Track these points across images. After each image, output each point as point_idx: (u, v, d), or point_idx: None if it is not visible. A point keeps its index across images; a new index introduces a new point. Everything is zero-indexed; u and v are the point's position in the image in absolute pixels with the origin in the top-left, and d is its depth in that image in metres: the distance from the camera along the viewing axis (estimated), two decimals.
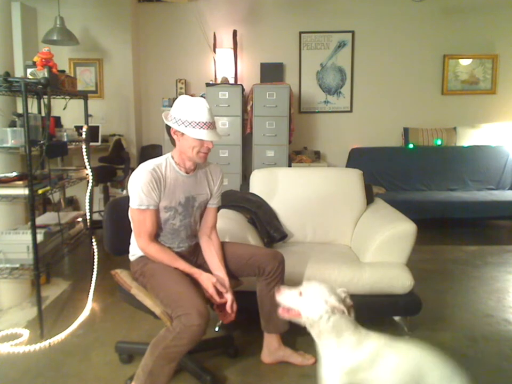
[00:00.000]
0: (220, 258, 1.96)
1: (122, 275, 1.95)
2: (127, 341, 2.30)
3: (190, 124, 1.76)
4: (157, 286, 1.77)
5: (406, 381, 1.46)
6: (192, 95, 1.95)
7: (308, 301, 1.52)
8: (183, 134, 1.79)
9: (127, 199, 1.85)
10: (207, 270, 1.97)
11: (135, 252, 1.93)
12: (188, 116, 1.77)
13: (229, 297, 1.84)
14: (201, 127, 1.77)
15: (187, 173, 1.91)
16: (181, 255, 1.91)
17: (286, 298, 1.56)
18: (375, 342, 1.50)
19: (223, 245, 2.05)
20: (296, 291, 1.55)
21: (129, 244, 1.96)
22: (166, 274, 1.78)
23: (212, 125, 1.80)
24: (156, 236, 1.88)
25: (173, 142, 1.87)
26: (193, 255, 2.02)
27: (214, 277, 1.83)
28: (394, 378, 1.46)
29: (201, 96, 4.62)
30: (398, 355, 1.48)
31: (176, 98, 5.33)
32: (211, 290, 1.78)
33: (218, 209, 2.12)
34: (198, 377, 1.94)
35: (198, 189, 1.95)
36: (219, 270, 1.92)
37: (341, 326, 1.50)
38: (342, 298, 1.54)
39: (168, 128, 1.84)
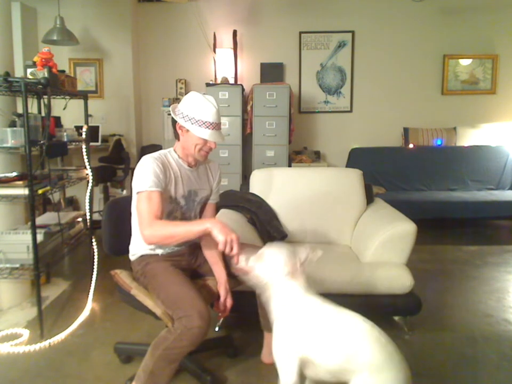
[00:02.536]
0: (219, 252, 1.96)
1: (122, 275, 1.94)
2: (125, 341, 2.30)
3: (196, 122, 1.77)
4: (158, 287, 1.76)
5: (338, 350, 1.41)
6: None
7: (264, 263, 1.57)
8: (188, 130, 1.80)
9: (127, 199, 1.85)
10: (205, 270, 1.98)
11: (135, 251, 1.92)
12: (195, 113, 1.77)
13: (222, 293, 1.85)
14: (207, 127, 1.77)
15: (190, 166, 1.92)
16: (180, 253, 1.92)
17: (247, 261, 1.61)
18: (324, 309, 1.51)
19: None
20: (257, 251, 1.61)
21: (128, 244, 1.96)
22: (168, 276, 1.78)
23: (217, 126, 1.81)
24: None
25: (177, 136, 1.88)
26: (193, 255, 2.02)
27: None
28: (341, 346, 1.41)
29: None
30: (345, 323, 1.46)
31: (176, 98, 5.34)
32: (221, 239, 1.58)
33: (217, 208, 2.12)
34: (198, 377, 1.95)
35: (199, 183, 1.96)
36: (217, 264, 1.92)
37: (292, 291, 1.54)
38: (302, 261, 1.59)
39: (174, 121, 1.85)
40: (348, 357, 1.38)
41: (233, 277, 1.99)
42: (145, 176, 1.74)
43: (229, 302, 1.86)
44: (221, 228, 1.60)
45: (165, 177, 1.79)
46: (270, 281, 1.56)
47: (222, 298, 1.85)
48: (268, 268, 1.56)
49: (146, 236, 1.70)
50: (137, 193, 1.75)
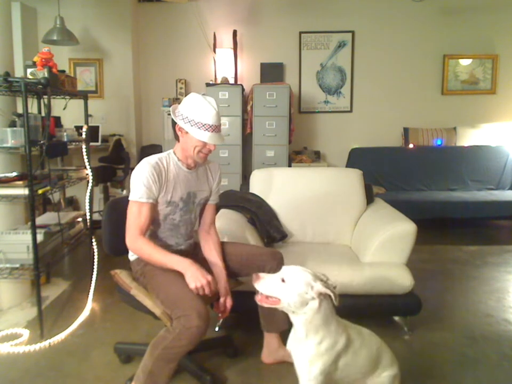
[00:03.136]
0: (219, 253, 1.97)
1: (122, 275, 1.94)
2: (125, 341, 2.30)
3: (196, 124, 1.77)
4: (157, 287, 1.77)
5: (370, 361, 1.57)
6: None
7: (290, 287, 1.45)
8: (187, 132, 1.80)
9: (126, 199, 1.85)
10: (206, 268, 1.97)
11: None
12: (195, 115, 1.77)
13: (222, 293, 1.85)
14: (207, 129, 1.77)
15: (189, 168, 1.92)
16: (179, 254, 1.91)
17: (266, 285, 1.49)
18: (346, 327, 1.55)
19: (222, 245, 2.05)
20: (277, 277, 1.49)
21: None
22: (167, 275, 1.77)
23: (217, 128, 1.81)
24: (154, 233, 1.89)
25: (177, 137, 1.88)
26: (192, 256, 2.01)
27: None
28: (363, 361, 1.55)
29: None
30: (363, 339, 1.58)
31: (176, 98, 5.34)
32: (192, 287, 1.66)
33: (217, 208, 2.11)
34: (198, 377, 1.94)
35: (199, 185, 1.96)
36: (217, 265, 1.92)
37: (329, 313, 1.48)
38: (325, 282, 1.47)
39: (174, 122, 1.85)
40: (376, 363, 1.60)
41: (233, 277, 2.00)
42: (138, 185, 1.78)
43: (229, 303, 1.86)
44: (192, 273, 1.67)
45: (160, 184, 1.81)
46: (299, 307, 1.45)
47: (222, 299, 1.85)
48: (296, 291, 1.44)
49: (129, 247, 1.83)
50: (130, 200, 1.79)
